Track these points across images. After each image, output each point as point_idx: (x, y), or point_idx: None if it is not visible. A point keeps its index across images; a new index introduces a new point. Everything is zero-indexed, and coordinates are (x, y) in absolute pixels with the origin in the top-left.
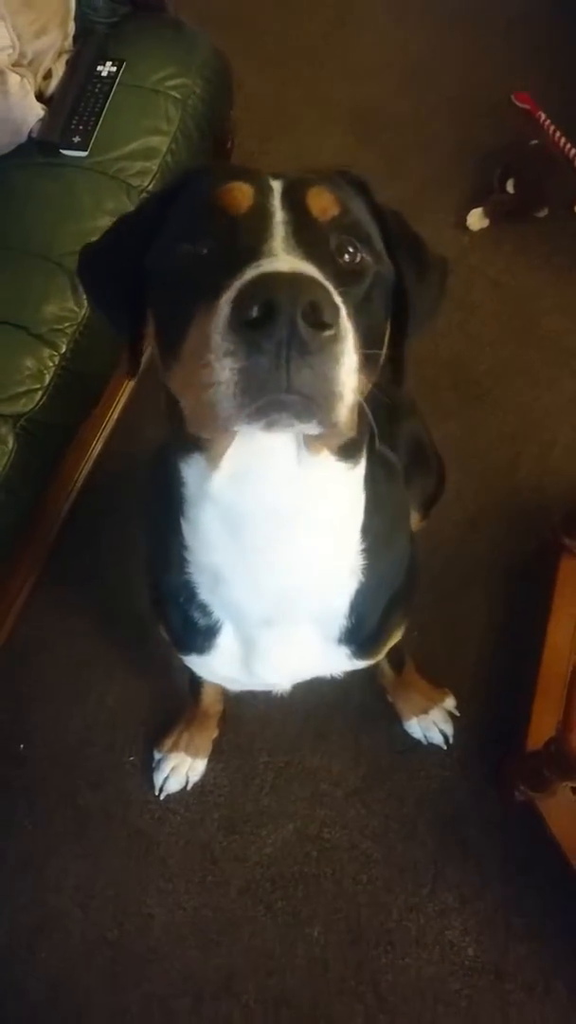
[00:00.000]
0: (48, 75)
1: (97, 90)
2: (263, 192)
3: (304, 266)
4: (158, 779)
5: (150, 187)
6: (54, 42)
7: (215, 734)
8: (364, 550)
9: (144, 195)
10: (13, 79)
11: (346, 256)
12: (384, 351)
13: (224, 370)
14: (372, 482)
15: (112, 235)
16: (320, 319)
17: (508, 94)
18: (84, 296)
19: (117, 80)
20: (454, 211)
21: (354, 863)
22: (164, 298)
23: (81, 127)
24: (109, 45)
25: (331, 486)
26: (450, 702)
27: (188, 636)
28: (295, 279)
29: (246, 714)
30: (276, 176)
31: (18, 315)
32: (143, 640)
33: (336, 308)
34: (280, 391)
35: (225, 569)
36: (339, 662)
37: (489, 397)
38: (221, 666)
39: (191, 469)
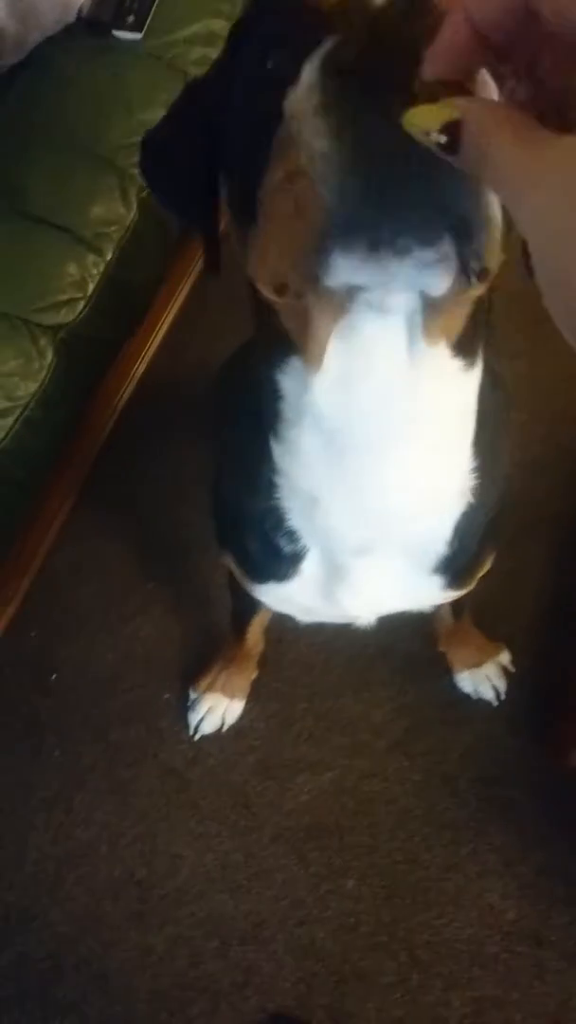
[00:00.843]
0: None
1: None
2: None
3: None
4: (193, 719)
5: None
6: None
7: (254, 675)
8: (475, 468)
9: None
10: None
11: None
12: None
13: (321, 177)
14: (480, 392)
15: (182, 100)
16: None
17: None
18: (134, 198)
19: None
20: None
21: (392, 817)
22: (241, 142)
23: (136, 5)
24: None
25: (446, 393)
26: (505, 656)
27: (268, 564)
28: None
29: (286, 657)
30: None
31: (62, 215)
32: (179, 574)
33: None
34: (399, 197)
35: (324, 493)
36: (431, 593)
37: (560, 336)
38: (301, 595)
39: (288, 377)
